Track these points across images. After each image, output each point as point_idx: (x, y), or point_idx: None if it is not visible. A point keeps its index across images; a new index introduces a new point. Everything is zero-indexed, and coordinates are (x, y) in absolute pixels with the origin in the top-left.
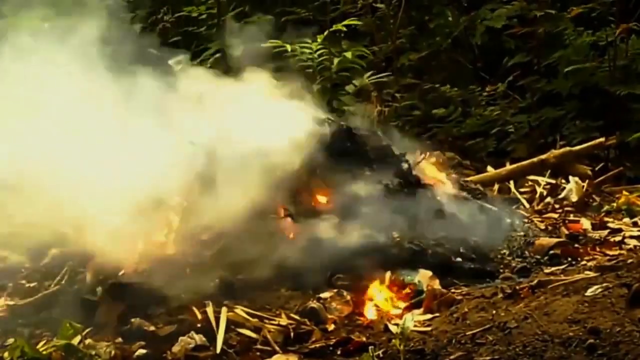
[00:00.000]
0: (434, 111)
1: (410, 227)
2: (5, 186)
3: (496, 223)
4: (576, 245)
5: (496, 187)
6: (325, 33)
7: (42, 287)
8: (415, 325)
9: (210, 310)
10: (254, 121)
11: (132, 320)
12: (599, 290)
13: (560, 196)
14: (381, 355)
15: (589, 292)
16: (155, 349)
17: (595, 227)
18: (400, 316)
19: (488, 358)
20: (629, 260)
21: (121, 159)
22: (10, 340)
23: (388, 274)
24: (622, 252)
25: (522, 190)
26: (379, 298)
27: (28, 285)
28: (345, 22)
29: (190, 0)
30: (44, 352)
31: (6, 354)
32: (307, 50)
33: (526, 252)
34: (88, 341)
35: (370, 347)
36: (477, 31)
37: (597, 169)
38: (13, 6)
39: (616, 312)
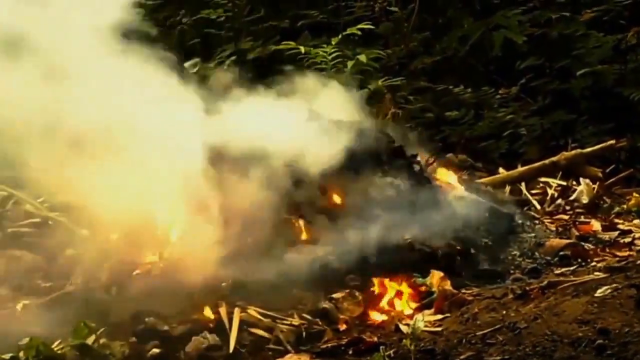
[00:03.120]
0: (446, 113)
1: (422, 229)
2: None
3: (507, 224)
4: (586, 247)
5: (508, 188)
6: (340, 36)
7: (57, 286)
8: (426, 326)
9: (223, 310)
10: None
11: (146, 319)
12: (608, 291)
13: (571, 198)
14: (392, 355)
15: (598, 293)
16: (168, 349)
17: (605, 228)
18: (411, 316)
19: (498, 358)
20: (638, 262)
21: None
22: (26, 340)
23: (400, 275)
24: (632, 253)
25: (533, 191)
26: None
27: (44, 284)
28: (359, 26)
29: (207, 3)
30: (59, 352)
31: (21, 353)
32: (322, 53)
33: (536, 253)
34: (102, 341)
35: (381, 347)
36: (496, 42)
37: (607, 171)
38: None
39: (625, 312)
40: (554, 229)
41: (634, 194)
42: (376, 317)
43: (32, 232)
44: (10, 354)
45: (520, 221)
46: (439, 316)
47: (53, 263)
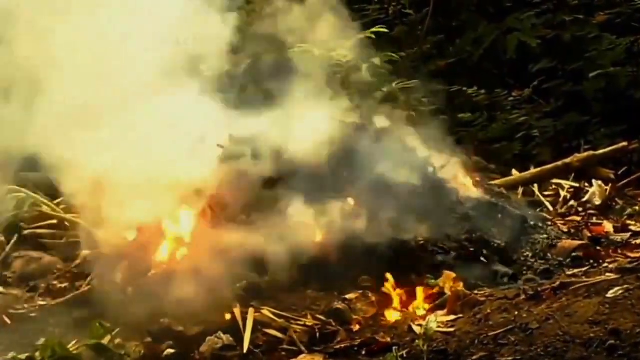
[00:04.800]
0: (460, 115)
1: (435, 230)
2: None
3: (520, 226)
4: (598, 248)
5: (521, 190)
6: (354, 39)
7: (73, 287)
8: (438, 326)
9: (237, 310)
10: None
11: (161, 320)
12: (620, 291)
13: (583, 199)
14: (405, 355)
15: (610, 294)
16: (183, 349)
17: (617, 230)
18: (424, 317)
19: (510, 358)
20: None
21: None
22: (42, 340)
23: (412, 276)
24: None
25: (546, 193)
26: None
27: (60, 285)
28: (374, 29)
29: None
30: (75, 352)
31: (37, 354)
32: (336, 56)
33: (549, 254)
34: (118, 341)
35: (394, 348)
36: (510, 45)
37: (620, 172)
38: None
39: (637, 313)
40: (566, 230)
41: None
42: (389, 317)
43: (48, 234)
44: (27, 354)
45: (532, 222)
46: (452, 317)
47: (69, 264)
